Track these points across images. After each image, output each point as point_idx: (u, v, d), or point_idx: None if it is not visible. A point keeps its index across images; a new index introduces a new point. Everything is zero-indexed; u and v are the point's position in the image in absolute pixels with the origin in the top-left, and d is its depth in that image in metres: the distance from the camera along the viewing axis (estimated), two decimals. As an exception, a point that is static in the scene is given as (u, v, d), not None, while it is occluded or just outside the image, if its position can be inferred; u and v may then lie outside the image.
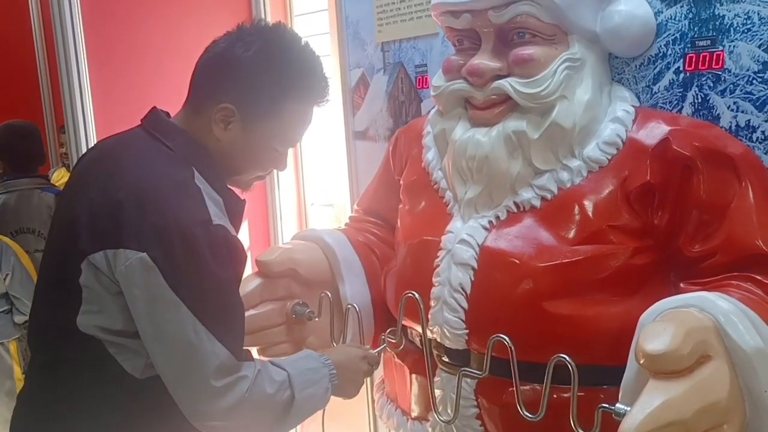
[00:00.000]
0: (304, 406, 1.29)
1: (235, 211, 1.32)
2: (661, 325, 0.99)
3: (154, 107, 1.34)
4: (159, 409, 1.23)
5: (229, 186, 1.33)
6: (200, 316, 1.16)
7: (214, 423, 1.22)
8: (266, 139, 1.31)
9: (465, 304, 1.32)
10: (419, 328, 1.40)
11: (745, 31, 1.22)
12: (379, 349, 1.50)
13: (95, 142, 2.53)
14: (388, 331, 1.49)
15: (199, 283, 1.17)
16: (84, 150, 2.51)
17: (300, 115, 1.33)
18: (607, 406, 1.06)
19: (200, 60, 1.32)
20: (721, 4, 1.24)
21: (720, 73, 1.26)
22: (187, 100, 1.33)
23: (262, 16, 2.85)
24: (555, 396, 1.20)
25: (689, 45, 1.29)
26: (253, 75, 1.26)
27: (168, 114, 1.34)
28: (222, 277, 1.20)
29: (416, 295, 1.36)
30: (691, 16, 1.28)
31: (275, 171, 1.43)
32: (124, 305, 1.19)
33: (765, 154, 1.23)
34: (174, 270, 1.15)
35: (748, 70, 1.23)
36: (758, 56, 1.22)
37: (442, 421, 1.39)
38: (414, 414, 1.54)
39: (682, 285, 1.22)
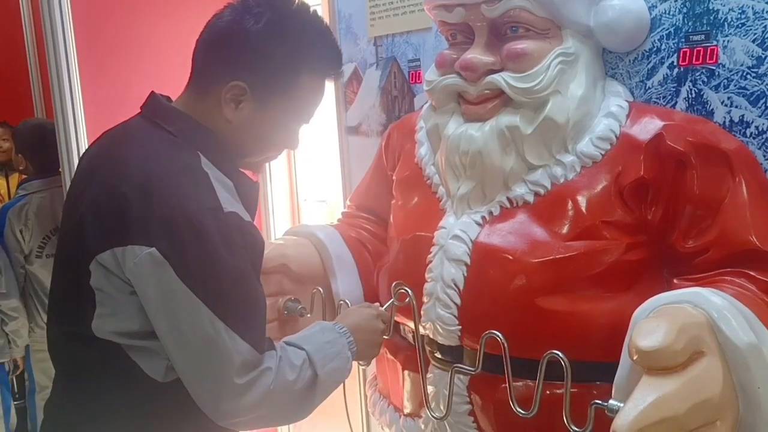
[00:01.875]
0: (328, 381, 1.24)
1: (248, 195, 1.24)
2: (655, 321, 0.98)
3: (153, 92, 1.26)
4: (185, 412, 1.17)
5: (239, 169, 1.26)
6: (218, 312, 1.09)
7: (240, 419, 1.17)
8: (280, 117, 1.24)
9: (458, 300, 1.31)
10: (412, 324, 1.39)
11: (740, 25, 1.22)
12: (387, 304, 1.44)
13: (86, 139, 2.52)
14: (393, 284, 1.42)
15: (214, 276, 1.10)
16: (74, 147, 2.50)
17: (314, 88, 1.26)
18: (600, 402, 1.05)
19: (203, 37, 1.24)
20: (716, -1, 1.24)
21: (714, 68, 1.26)
22: (190, 81, 1.25)
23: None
24: (548, 392, 1.19)
25: (683, 40, 1.28)
26: (265, 49, 1.18)
27: (169, 98, 1.27)
28: (238, 268, 1.12)
29: (408, 290, 1.35)
30: (685, 10, 1.28)
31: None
32: (140, 305, 1.12)
33: (759, 149, 1.22)
34: (185, 264, 1.08)
35: (742, 65, 1.22)
36: (752, 51, 1.21)
37: (434, 417, 1.38)
38: (406, 410, 1.53)
39: (675, 281, 1.22)
